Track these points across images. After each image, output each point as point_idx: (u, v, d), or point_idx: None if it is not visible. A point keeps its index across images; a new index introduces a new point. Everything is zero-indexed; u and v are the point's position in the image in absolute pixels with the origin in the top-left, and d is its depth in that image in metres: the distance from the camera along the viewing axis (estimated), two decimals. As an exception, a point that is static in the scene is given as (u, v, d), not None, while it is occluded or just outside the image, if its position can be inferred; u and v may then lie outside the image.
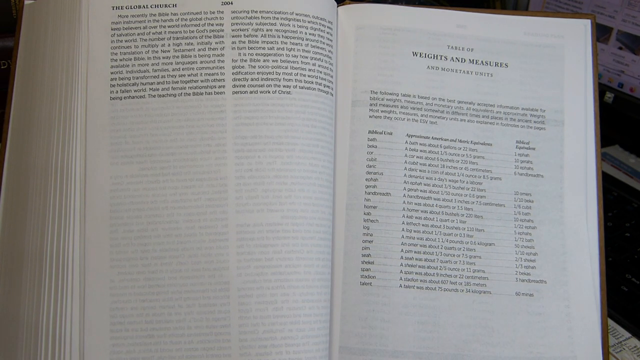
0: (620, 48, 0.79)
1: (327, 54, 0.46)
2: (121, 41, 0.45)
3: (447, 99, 0.48)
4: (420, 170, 0.46)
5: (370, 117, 0.47)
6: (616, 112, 0.80)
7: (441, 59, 0.48)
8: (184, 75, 0.44)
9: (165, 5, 0.45)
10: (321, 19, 0.46)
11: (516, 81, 0.49)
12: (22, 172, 0.44)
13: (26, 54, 0.46)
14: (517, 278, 0.46)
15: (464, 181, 0.47)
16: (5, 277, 0.43)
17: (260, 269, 0.42)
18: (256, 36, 0.45)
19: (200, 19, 0.45)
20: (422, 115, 0.47)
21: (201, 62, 0.44)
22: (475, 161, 0.47)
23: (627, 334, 0.53)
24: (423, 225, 0.46)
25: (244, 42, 0.45)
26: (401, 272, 0.45)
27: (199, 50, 0.44)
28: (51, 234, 0.42)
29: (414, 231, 0.45)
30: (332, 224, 0.45)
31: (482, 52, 0.49)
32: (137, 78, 0.44)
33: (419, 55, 0.48)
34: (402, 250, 0.45)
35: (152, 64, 0.44)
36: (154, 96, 0.44)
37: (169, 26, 0.45)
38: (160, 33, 0.45)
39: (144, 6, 0.45)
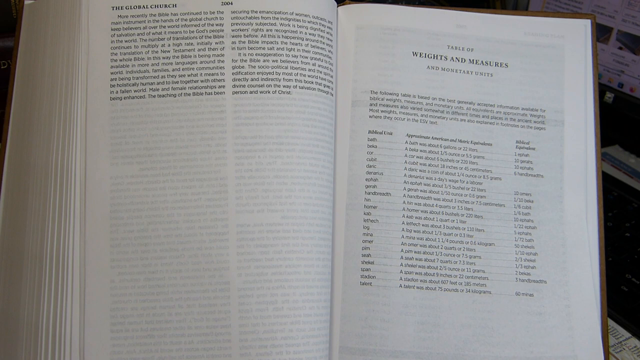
0: (620, 48, 0.79)
1: (327, 54, 0.46)
2: (121, 41, 0.45)
3: (447, 99, 0.48)
4: (420, 170, 0.46)
5: (370, 117, 0.47)
6: (616, 112, 0.80)
7: (441, 59, 0.48)
8: (184, 76, 0.44)
9: (165, 6, 0.45)
10: (321, 19, 0.46)
11: (516, 81, 0.49)
12: (22, 172, 0.44)
13: (26, 54, 0.46)
14: (517, 278, 0.46)
15: (464, 181, 0.47)
16: (5, 277, 0.43)
17: (261, 269, 0.42)
18: (256, 36, 0.45)
19: (200, 19, 0.45)
20: (422, 115, 0.47)
21: (201, 62, 0.44)
22: (475, 161, 0.47)
23: (627, 334, 0.53)
24: (423, 225, 0.46)
25: (244, 42, 0.45)
26: (401, 272, 0.45)
27: (199, 50, 0.44)
28: (51, 234, 0.42)
29: (414, 231, 0.45)
30: (332, 224, 0.45)
31: (482, 52, 0.49)
32: (137, 78, 0.44)
33: (419, 55, 0.48)
34: (402, 250, 0.45)
35: (152, 64, 0.44)
36: (154, 96, 0.44)
37: (169, 26, 0.45)
38: (160, 33, 0.45)
39: (143, 6, 0.45)
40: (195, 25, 0.45)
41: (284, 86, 0.44)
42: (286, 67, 0.44)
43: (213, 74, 0.44)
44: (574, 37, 0.50)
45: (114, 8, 0.45)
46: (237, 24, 0.45)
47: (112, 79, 0.44)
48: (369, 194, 0.46)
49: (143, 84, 0.44)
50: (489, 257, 0.46)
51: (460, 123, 0.48)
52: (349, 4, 0.49)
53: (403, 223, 0.45)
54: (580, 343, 0.45)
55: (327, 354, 0.42)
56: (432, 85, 0.48)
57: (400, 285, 0.45)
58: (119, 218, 0.42)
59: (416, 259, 0.45)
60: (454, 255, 0.45)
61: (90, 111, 0.44)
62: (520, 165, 0.48)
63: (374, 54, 0.48)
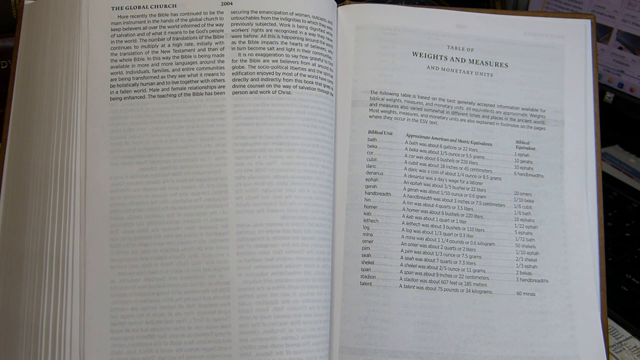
0: (620, 48, 0.79)
1: (327, 54, 0.46)
2: (121, 41, 0.45)
3: (447, 99, 0.48)
4: (420, 170, 0.46)
5: (370, 117, 0.47)
6: (616, 112, 0.80)
7: (441, 59, 0.48)
8: (184, 76, 0.44)
9: (165, 6, 0.45)
10: (321, 19, 0.46)
11: (516, 81, 0.49)
12: (22, 172, 0.44)
13: (26, 54, 0.46)
14: (518, 278, 0.46)
15: (464, 181, 0.47)
16: (5, 277, 0.43)
17: (261, 269, 0.42)
18: (256, 36, 0.45)
19: (200, 20, 0.45)
20: (422, 115, 0.47)
21: (201, 63, 0.44)
22: (475, 161, 0.47)
23: (627, 334, 0.53)
24: (423, 225, 0.46)
25: (244, 43, 0.45)
26: (401, 272, 0.45)
27: (198, 50, 0.44)
28: (51, 234, 0.42)
29: (414, 231, 0.45)
30: (332, 224, 0.45)
31: (482, 52, 0.49)
32: (137, 78, 0.44)
33: (419, 55, 0.48)
34: (402, 250, 0.45)
35: (152, 65, 0.44)
36: (154, 96, 0.44)
37: (168, 26, 0.45)
38: (160, 33, 0.45)
39: (143, 6, 0.45)
40: (195, 26, 0.45)
41: (284, 86, 0.44)
42: (286, 67, 0.44)
43: (213, 74, 0.44)
44: (574, 37, 0.50)
45: (114, 8, 0.45)
46: (237, 24, 0.45)
47: (112, 79, 0.44)
48: (369, 194, 0.46)
49: (143, 84, 0.44)
50: (489, 257, 0.46)
51: (460, 123, 0.48)
52: (349, 4, 0.49)
53: (403, 223, 0.45)
54: (582, 342, 0.45)
55: (327, 354, 0.42)
56: (432, 85, 0.48)
57: (400, 285, 0.45)
58: (119, 218, 0.42)
59: (416, 259, 0.45)
60: (454, 255, 0.45)
61: (90, 111, 0.44)
62: (521, 165, 0.48)
63: (374, 54, 0.48)
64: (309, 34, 0.45)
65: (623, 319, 0.55)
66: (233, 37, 0.45)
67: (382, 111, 0.47)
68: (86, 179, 0.43)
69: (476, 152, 0.47)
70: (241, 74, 0.44)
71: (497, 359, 0.44)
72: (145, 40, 0.45)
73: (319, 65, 0.45)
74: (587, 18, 0.50)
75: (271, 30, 0.45)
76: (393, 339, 0.44)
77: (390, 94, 0.47)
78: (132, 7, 0.45)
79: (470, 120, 0.48)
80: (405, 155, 0.47)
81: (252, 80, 0.44)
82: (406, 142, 0.47)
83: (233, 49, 0.44)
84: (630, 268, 0.61)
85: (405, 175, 0.46)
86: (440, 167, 0.47)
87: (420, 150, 0.47)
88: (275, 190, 0.43)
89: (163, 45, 0.45)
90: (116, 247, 0.42)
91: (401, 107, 0.47)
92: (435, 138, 0.47)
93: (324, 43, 0.46)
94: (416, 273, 0.45)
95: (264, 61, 0.44)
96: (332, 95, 0.46)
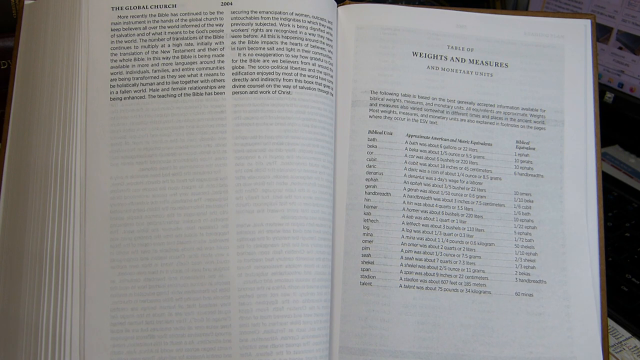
0: (620, 48, 0.79)
1: (327, 54, 0.46)
2: (121, 42, 0.45)
3: (447, 99, 0.48)
4: (420, 170, 0.46)
5: (370, 117, 0.47)
6: (616, 112, 0.80)
7: (441, 59, 0.48)
8: (184, 76, 0.44)
9: (165, 6, 0.45)
10: (321, 19, 0.46)
11: (516, 81, 0.49)
12: (22, 172, 0.44)
13: (26, 54, 0.46)
14: (517, 278, 0.46)
15: (464, 181, 0.47)
16: (5, 277, 0.43)
17: (261, 269, 0.42)
18: (256, 36, 0.45)
19: (200, 20, 0.45)
20: (422, 115, 0.47)
21: (201, 63, 0.44)
22: (475, 161, 0.47)
23: (627, 334, 0.53)
24: (423, 225, 0.46)
25: (244, 43, 0.45)
26: (401, 272, 0.45)
27: (198, 50, 0.44)
28: (51, 234, 0.42)
29: (414, 231, 0.45)
30: (332, 224, 0.45)
31: (482, 52, 0.49)
32: (137, 79, 0.44)
33: (419, 55, 0.48)
34: (402, 250, 0.45)
35: (152, 65, 0.44)
36: (154, 97, 0.44)
37: (168, 27, 0.45)
38: (160, 34, 0.45)
39: (143, 7, 0.45)
40: (195, 26, 0.45)
41: (283, 86, 0.44)
42: (286, 67, 0.44)
43: (213, 74, 0.44)
44: (574, 37, 0.50)
45: (114, 8, 0.45)
46: (237, 24, 0.45)
47: (112, 79, 0.44)
48: (369, 194, 0.46)
49: (143, 84, 0.44)
50: (489, 257, 0.46)
51: (460, 123, 0.48)
52: (349, 4, 0.49)
53: (403, 223, 0.46)
54: (579, 344, 0.45)
55: (327, 354, 0.42)
56: (432, 85, 0.48)
57: (400, 285, 0.45)
58: (119, 218, 0.42)
59: (416, 259, 0.45)
60: (454, 255, 0.45)
61: (90, 111, 0.44)
62: (520, 165, 0.48)
63: (374, 54, 0.48)
64: (309, 34, 0.45)
65: (623, 319, 0.55)
66: (233, 37, 0.45)
67: (382, 111, 0.47)
68: (86, 179, 0.43)
69: (476, 152, 0.47)
70: (241, 74, 0.44)
71: (495, 359, 0.44)
72: (145, 41, 0.45)
73: (319, 65, 0.45)
74: (587, 18, 0.50)
75: (271, 30, 0.45)
76: (393, 339, 0.44)
77: (390, 94, 0.47)
78: (132, 7, 0.45)
79: (470, 120, 0.48)
80: (405, 155, 0.47)
81: (252, 80, 0.44)
82: (406, 142, 0.47)
83: (233, 49, 0.44)
84: (630, 268, 0.61)
85: (405, 175, 0.46)
86: (440, 167, 0.47)
87: (420, 150, 0.47)
88: (276, 190, 0.43)
89: (163, 46, 0.45)
90: (116, 247, 0.42)
91: (401, 107, 0.47)
92: (435, 138, 0.47)
93: (324, 43, 0.46)
94: (416, 273, 0.45)
95: (264, 61, 0.44)
96: (332, 95, 0.46)
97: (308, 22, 0.45)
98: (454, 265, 0.45)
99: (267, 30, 0.45)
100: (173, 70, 0.44)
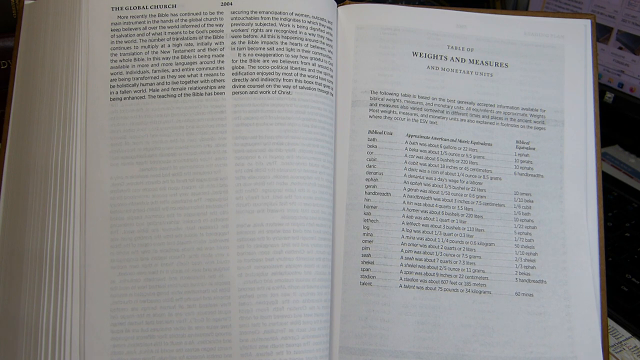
0: (620, 48, 0.79)
1: (327, 54, 0.46)
2: (121, 42, 0.45)
3: (447, 99, 0.48)
4: (420, 170, 0.46)
5: (370, 117, 0.47)
6: (616, 112, 0.80)
7: (441, 59, 0.48)
8: (184, 76, 0.44)
9: (165, 6, 0.45)
10: (321, 19, 0.46)
11: (516, 81, 0.49)
12: (22, 172, 0.44)
13: (26, 54, 0.46)
14: (517, 278, 0.46)
15: (464, 181, 0.47)
16: (5, 277, 0.43)
17: (261, 269, 0.42)
18: (256, 37, 0.45)
19: (200, 20, 0.45)
20: (422, 115, 0.47)
21: (201, 63, 0.44)
22: (475, 161, 0.47)
23: (627, 334, 0.53)
24: (423, 225, 0.46)
25: (244, 43, 0.45)
26: (401, 272, 0.45)
27: (198, 50, 0.44)
28: (51, 234, 0.42)
29: (414, 231, 0.45)
30: (332, 224, 0.45)
31: (482, 52, 0.49)
32: (137, 79, 0.44)
33: (419, 55, 0.48)
34: (402, 250, 0.45)
35: (152, 65, 0.44)
36: (154, 97, 0.44)
37: (168, 27, 0.45)
38: (160, 34, 0.45)
39: (143, 7, 0.45)
40: (195, 26, 0.45)
41: (283, 86, 0.44)
42: (286, 67, 0.44)
43: (213, 75, 0.44)
44: (574, 37, 0.50)
45: (114, 9, 0.45)
46: (236, 24, 0.45)
47: (112, 80, 0.44)
48: (369, 194, 0.46)
49: (143, 85, 0.44)
50: (489, 257, 0.46)
51: (460, 123, 0.48)
52: (349, 4, 0.49)
53: (403, 223, 0.46)
54: (579, 343, 0.45)
55: (327, 354, 0.43)
56: (432, 85, 0.48)
57: (400, 285, 0.45)
58: (119, 218, 0.42)
59: (416, 259, 0.45)
60: (454, 255, 0.45)
61: (90, 111, 0.44)
62: (520, 165, 0.48)
63: (374, 54, 0.48)
64: (309, 34, 0.45)
65: (623, 319, 0.55)
66: (233, 37, 0.45)
67: (382, 111, 0.47)
68: (86, 179, 0.43)
69: (476, 152, 0.47)
70: (241, 74, 0.44)
71: (495, 359, 0.44)
72: (145, 41, 0.45)
73: (319, 65, 0.45)
74: (587, 18, 0.50)
75: (271, 31, 0.45)
76: (393, 339, 0.44)
77: (390, 94, 0.47)
78: (132, 8, 0.45)
79: (470, 120, 0.48)
80: (405, 155, 0.47)
81: (252, 80, 0.44)
82: (406, 142, 0.47)
83: (233, 49, 0.44)
84: (630, 268, 0.61)
85: (405, 175, 0.46)
86: (440, 167, 0.47)
87: (420, 150, 0.47)
88: (276, 190, 0.43)
89: (163, 46, 0.45)
90: (116, 248, 0.42)
91: (401, 107, 0.47)
92: (435, 138, 0.47)
93: (323, 43, 0.46)
94: (416, 273, 0.45)
95: (264, 61, 0.44)
96: (332, 95, 0.46)
97: (308, 22, 0.45)
98: (454, 265, 0.45)
99: (267, 31, 0.45)
100: (173, 71, 0.44)
